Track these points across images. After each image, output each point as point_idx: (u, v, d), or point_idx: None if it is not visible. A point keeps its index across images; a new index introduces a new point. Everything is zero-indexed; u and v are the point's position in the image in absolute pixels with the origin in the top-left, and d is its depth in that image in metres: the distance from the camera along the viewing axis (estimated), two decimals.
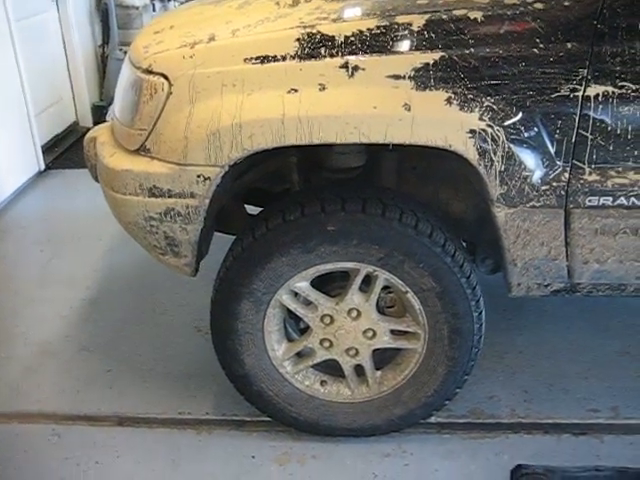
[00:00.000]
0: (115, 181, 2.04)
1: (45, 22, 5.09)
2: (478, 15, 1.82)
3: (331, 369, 2.26)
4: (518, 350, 2.75)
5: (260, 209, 2.32)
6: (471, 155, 1.82)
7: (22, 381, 2.68)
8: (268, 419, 2.33)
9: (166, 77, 1.91)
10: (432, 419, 2.35)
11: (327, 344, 2.17)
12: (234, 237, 2.20)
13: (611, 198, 1.88)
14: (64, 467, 2.25)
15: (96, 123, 5.63)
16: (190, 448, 2.32)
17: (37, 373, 2.74)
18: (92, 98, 5.77)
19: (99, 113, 5.69)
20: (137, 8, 5.83)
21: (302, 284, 2.09)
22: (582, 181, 1.86)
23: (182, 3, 6.04)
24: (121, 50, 5.82)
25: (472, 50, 1.79)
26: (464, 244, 2.30)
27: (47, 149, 4.98)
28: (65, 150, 5.22)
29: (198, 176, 1.91)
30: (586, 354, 2.72)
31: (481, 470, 2.18)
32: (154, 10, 5.90)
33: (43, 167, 4.78)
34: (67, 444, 2.34)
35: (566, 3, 1.80)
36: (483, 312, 2.11)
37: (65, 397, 2.58)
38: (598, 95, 1.79)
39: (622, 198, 1.88)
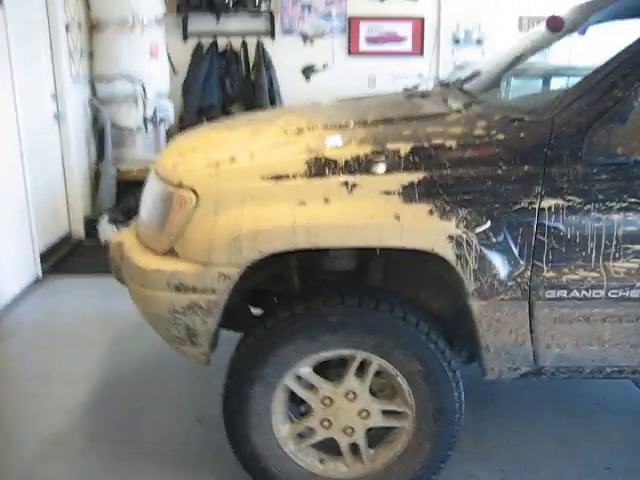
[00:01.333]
0: (145, 279, 2.37)
1: (48, 140, 5.51)
2: (453, 143, 2.26)
3: (329, 448, 2.52)
4: (495, 433, 3.04)
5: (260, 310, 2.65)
6: (450, 257, 2.20)
7: (34, 470, 2.87)
8: None
9: (194, 191, 2.29)
10: None
11: (327, 424, 2.45)
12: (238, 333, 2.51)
13: (566, 291, 2.26)
14: None
15: (88, 235, 6.00)
16: None
17: (48, 463, 2.93)
18: (85, 211, 6.13)
19: (91, 226, 6.03)
20: (131, 129, 6.31)
21: (306, 369, 2.40)
22: (541, 277, 2.25)
23: (170, 126, 6.57)
24: (114, 167, 6.26)
25: (449, 171, 2.21)
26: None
27: (43, 258, 5.27)
28: (60, 259, 5.51)
29: (220, 275, 2.25)
30: (554, 436, 3.02)
31: None
32: (146, 131, 6.37)
33: (41, 274, 5.06)
34: None
35: (522, 135, 2.24)
36: (462, 393, 2.43)
37: None
38: (550, 207, 2.20)
39: (575, 291, 2.26)
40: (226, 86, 6.98)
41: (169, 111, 6.61)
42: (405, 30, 7.08)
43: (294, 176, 2.24)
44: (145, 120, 6.36)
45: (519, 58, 3.33)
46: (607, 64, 2.33)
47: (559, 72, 3.90)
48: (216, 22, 6.88)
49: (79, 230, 6.03)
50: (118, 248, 2.68)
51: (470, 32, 7.11)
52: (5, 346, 4.03)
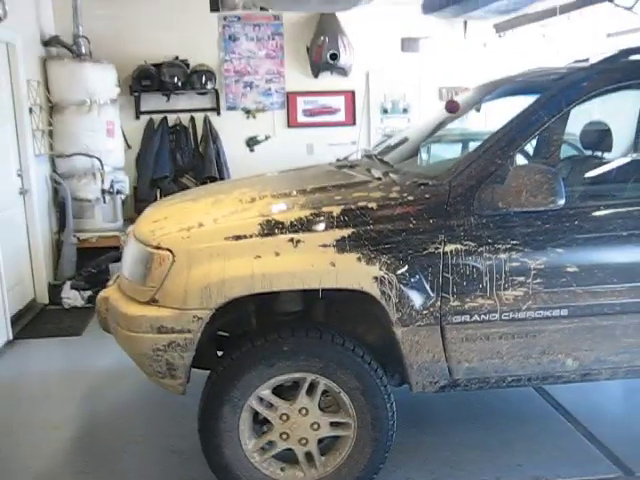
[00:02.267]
0: (131, 324, 2.90)
1: (14, 214, 5.99)
2: (374, 205, 2.90)
3: (287, 458, 3.05)
4: (428, 444, 3.61)
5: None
6: (375, 293, 2.81)
7: None
8: None
9: (171, 251, 2.85)
10: None
11: (285, 436, 2.99)
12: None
13: (468, 316, 2.89)
14: None
15: (51, 300, 6.41)
16: None
17: None
18: (48, 278, 6.56)
19: (54, 291, 6.46)
20: (90, 201, 6.83)
21: (266, 392, 2.94)
22: (449, 306, 2.87)
23: (126, 196, 7.11)
24: (74, 237, 6.74)
25: (371, 227, 2.83)
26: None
27: (12, 322, 5.67)
28: (27, 323, 5.92)
29: (194, 317, 2.80)
30: (474, 443, 3.60)
31: None
32: (104, 202, 6.90)
33: (12, 337, 5.47)
34: None
35: (427, 196, 2.90)
36: (394, 404, 3.01)
37: None
38: (452, 251, 2.84)
39: (475, 315, 2.89)
40: (177, 158, 7.60)
41: (124, 183, 7.16)
42: (338, 102, 7.86)
43: (250, 236, 2.83)
44: (103, 192, 6.88)
45: (430, 131, 4.05)
46: (489, 139, 3.04)
47: (473, 137, 4.60)
48: (166, 100, 7.53)
49: (43, 296, 6.45)
50: (104, 302, 3.21)
51: (397, 102, 7.94)
52: None
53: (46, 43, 6.83)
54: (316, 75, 7.75)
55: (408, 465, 3.43)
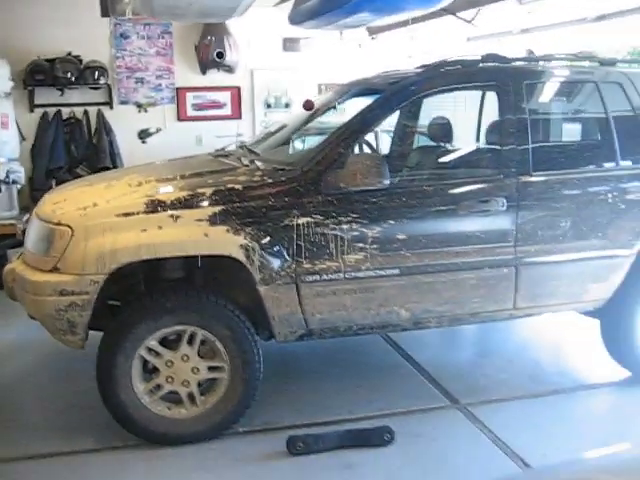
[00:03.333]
0: (37, 289, 3.44)
1: None
2: (240, 187, 3.54)
3: (173, 399, 3.65)
4: (295, 389, 4.30)
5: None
6: (242, 259, 3.46)
7: None
8: None
9: (70, 227, 3.40)
10: (241, 429, 3.79)
11: (170, 380, 3.59)
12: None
13: (318, 276, 3.58)
14: None
15: None
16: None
17: None
18: None
19: None
20: None
21: (153, 342, 3.54)
22: (302, 268, 3.55)
23: (22, 186, 7.45)
24: None
25: (238, 204, 3.48)
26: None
27: None
28: None
29: (91, 281, 3.36)
30: (335, 386, 4.32)
31: (275, 449, 3.62)
32: (0, 192, 7.21)
33: None
34: None
35: (282, 179, 3.57)
36: (260, 350, 3.66)
37: None
38: (304, 223, 3.52)
39: (324, 275, 3.59)
40: (72, 150, 8.00)
41: (20, 173, 7.46)
42: (225, 98, 8.47)
43: (137, 213, 3.42)
44: None
45: (295, 125, 4.73)
46: (334, 132, 3.75)
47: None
48: (60, 95, 7.90)
49: None
50: (10, 273, 3.71)
51: (279, 97, 8.61)
52: None
53: None
54: (204, 72, 8.32)
55: (278, 406, 4.09)
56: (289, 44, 8.43)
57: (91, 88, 8.03)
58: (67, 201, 3.71)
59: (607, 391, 4.42)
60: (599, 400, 4.34)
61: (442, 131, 4.94)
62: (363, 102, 4.19)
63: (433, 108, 5.30)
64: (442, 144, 4.91)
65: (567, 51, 4.78)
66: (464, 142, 5.25)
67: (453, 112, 5.66)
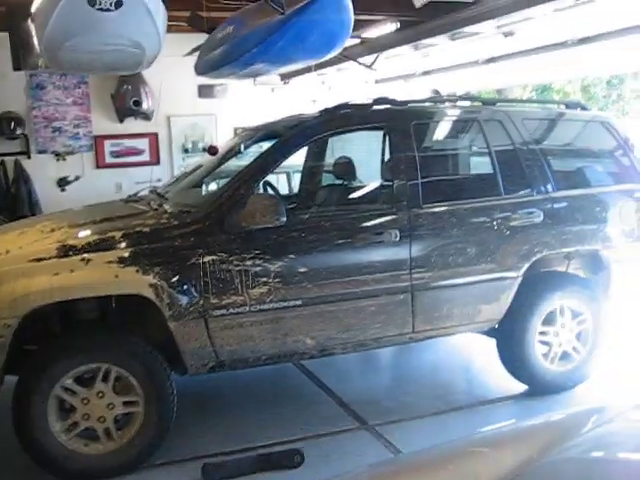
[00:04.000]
0: None
1: None
2: (147, 229, 3.77)
3: (90, 435, 3.79)
4: (211, 422, 4.48)
5: None
6: (152, 297, 3.67)
7: None
8: None
9: None
10: (157, 462, 3.94)
11: (86, 417, 3.72)
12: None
13: (225, 310, 3.81)
14: None
15: None
16: None
17: None
18: None
19: None
20: None
21: (69, 381, 3.68)
22: (209, 303, 3.78)
23: None
24: None
25: (146, 245, 3.70)
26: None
27: None
28: None
29: (5, 324, 3.51)
30: (250, 416, 4.53)
31: (191, 477, 3.79)
32: None
33: None
34: None
35: (188, 220, 3.82)
36: (174, 384, 3.85)
37: None
38: (209, 261, 3.76)
39: (230, 309, 3.82)
40: None
41: None
42: (143, 144, 8.69)
43: (50, 258, 3.60)
44: None
45: (205, 170, 4.99)
46: (236, 175, 4.02)
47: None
48: None
49: None
50: None
51: (197, 142, 8.88)
52: None
53: None
54: (121, 120, 8.54)
55: (195, 437, 4.25)
56: (204, 90, 8.74)
57: (8, 138, 8.13)
58: None
59: (506, 404, 4.75)
60: (498, 413, 4.65)
61: (345, 169, 5.30)
62: (267, 145, 4.49)
63: (340, 148, 5.67)
64: (345, 182, 5.25)
65: (462, 90, 5.23)
66: (366, 179, 5.60)
67: (362, 151, 6.02)
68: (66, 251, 3.64)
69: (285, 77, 8.73)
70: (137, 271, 3.65)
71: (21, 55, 5.80)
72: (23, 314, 3.52)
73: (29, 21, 4.68)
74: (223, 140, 8.73)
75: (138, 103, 8.30)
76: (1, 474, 3.93)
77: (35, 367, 3.65)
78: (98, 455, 3.79)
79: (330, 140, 5.28)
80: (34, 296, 3.53)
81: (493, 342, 4.82)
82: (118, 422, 3.82)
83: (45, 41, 3.90)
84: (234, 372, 4.36)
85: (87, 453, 3.77)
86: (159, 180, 8.36)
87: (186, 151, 8.86)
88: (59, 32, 3.71)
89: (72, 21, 3.61)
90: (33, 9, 4.20)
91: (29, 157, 8.29)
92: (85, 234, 3.82)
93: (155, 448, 3.89)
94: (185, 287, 3.74)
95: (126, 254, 3.66)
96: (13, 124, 8.03)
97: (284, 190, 6.41)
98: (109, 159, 8.58)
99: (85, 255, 3.63)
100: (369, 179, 5.79)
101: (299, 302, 3.98)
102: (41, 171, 8.31)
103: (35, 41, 5.01)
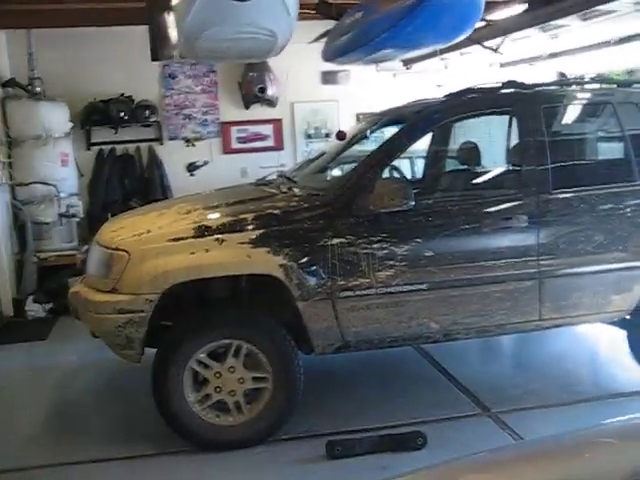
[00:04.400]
0: (98, 308, 3.83)
1: None
2: (278, 211, 3.90)
3: (221, 407, 3.98)
4: (330, 399, 4.59)
5: None
6: (282, 277, 3.79)
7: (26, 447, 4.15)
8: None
9: (127, 251, 3.79)
10: (284, 436, 4.09)
11: (218, 390, 3.92)
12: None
13: (352, 292, 3.89)
14: None
15: (16, 313, 7.21)
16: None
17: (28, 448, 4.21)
18: (12, 293, 7.36)
19: (18, 305, 7.26)
20: (48, 224, 7.68)
21: (202, 355, 3.88)
22: (337, 285, 3.86)
23: (80, 219, 7.95)
24: (35, 256, 7.56)
25: (277, 227, 3.82)
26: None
27: None
28: None
29: (146, 299, 3.74)
30: (369, 397, 4.60)
31: (315, 453, 3.91)
32: (61, 224, 7.74)
33: None
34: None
35: (317, 203, 3.91)
36: (300, 362, 3.97)
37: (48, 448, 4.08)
38: (337, 243, 3.84)
39: (357, 291, 3.89)
40: (125, 184, 8.51)
41: (79, 207, 8.00)
42: (267, 130, 8.90)
43: (186, 238, 3.80)
44: (59, 216, 7.73)
45: (331, 154, 5.08)
46: (364, 160, 4.08)
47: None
48: (114, 133, 8.44)
49: (8, 309, 7.24)
50: (74, 295, 4.11)
51: (319, 128, 9.01)
52: None
53: (4, 85, 7.68)
54: (247, 107, 8.77)
55: (318, 414, 4.39)
56: (327, 77, 8.84)
57: (142, 126, 8.55)
58: (124, 229, 4.11)
59: (635, 399, 4.59)
60: (627, 407, 4.49)
61: (470, 155, 5.25)
62: (392, 130, 4.52)
63: (462, 133, 5.61)
64: (470, 167, 5.20)
65: (592, 73, 5.06)
66: (488, 164, 5.53)
67: (483, 135, 5.95)
68: (202, 232, 3.82)
69: (408, 62, 8.68)
70: (268, 252, 3.78)
71: (158, 47, 6.09)
72: (163, 290, 3.74)
73: (167, 14, 4.91)
74: (345, 126, 8.85)
75: (263, 90, 8.51)
76: (140, 437, 4.19)
77: (172, 341, 3.87)
78: (228, 426, 3.98)
79: (454, 125, 5.24)
80: (173, 273, 3.73)
81: (622, 333, 4.66)
82: (247, 396, 3.98)
83: (185, 31, 4.10)
84: (356, 353, 4.45)
85: (218, 424, 3.97)
86: (282, 165, 8.56)
87: (309, 137, 9.00)
88: (199, 22, 3.89)
89: (211, 11, 3.78)
90: (174, 2, 4.42)
91: (161, 143, 8.69)
92: (219, 216, 3.99)
93: (282, 423, 4.03)
94: (314, 268, 3.84)
95: (258, 235, 3.80)
96: (148, 112, 8.42)
97: (407, 176, 6.40)
98: (235, 144, 8.84)
99: (219, 236, 3.79)
100: (492, 164, 5.73)
101: (425, 286, 3.99)
102: (172, 157, 8.68)
103: (172, 33, 5.26)
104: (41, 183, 7.62)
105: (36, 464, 4.01)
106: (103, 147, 8.51)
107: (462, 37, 4.50)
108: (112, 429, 4.43)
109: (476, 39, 5.80)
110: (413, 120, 4.24)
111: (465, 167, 5.30)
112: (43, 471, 3.95)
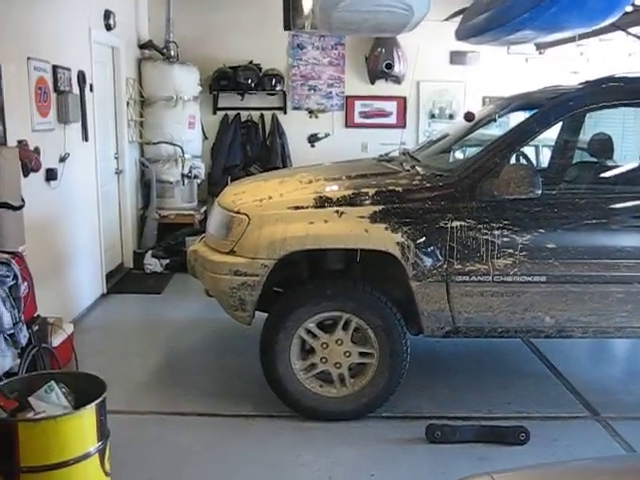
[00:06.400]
0: (215, 268, 3.93)
1: (111, 190, 7.13)
2: (400, 189, 3.86)
3: (325, 378, 4.02)
4: (437, 383, 4.55)
5: None
6: (398, 255, 3.76)
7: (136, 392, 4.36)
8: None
9: (247, 215, 3.87)
10: (383, 414, 4.09)
11: (324, 360, 3.96)
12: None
13: (467, 277, 3.81)
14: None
15: (135, 265, 7.53)
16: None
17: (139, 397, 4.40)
18: (133, 246, 7.70)
19: (138, 258, 7.59)
20: (171, 183, 7.95)
21: (312, 325, 3.92)
22: (452, 268, 3.80)
23: (201, 181, 8.18)
24: (157, 213, 7.86)
25: (397, 205, 3.79)
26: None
27: (106, 279, 6.80)
28: (117, 282, 7.05)
29: (262, 264, 3.80)
30: (476, 384, 4.52)
31: (414, 435, 3.90)
32: (183, 185, 8.01)
33: (105, 291, 6.60)
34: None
35: (440, 184, 3.84)
36: (408, 341, 3.95)
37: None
38: (457, 226, 3.77)
39: (473, 276, 3.81)
40: (247, 150, 8.68)
41: (201, 169, 8.24)
42: (391, 107, 8.82)
43: (306, 207, 3.83)
44: (182, 176, 8.00)
45: (455, 136, 4.98)
46: (491, 144, 3.96)
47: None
48: (240, 99, 8.61)
49: (129, 261, 7.59)
50: (193, 253, 4.24)
51: (444, 108, 8.85)
52: (87, 337, 5.47)
53: (141, 46, 7.97)
54: (372, 82, 8.72)
55: (419, 397, 4.37)
56: (456, 57, 8.66)
57: (268, 94, 8.67)
58: (245, 193, 4.19)
59: None
60: None
61: (602, 147, 5.01)
62: (523, 116, 4.37)
63: (597, 123, 5.36)
64: (601, 160, 4.97)
65: None
66: (623, 159, 5.26)
67: (616, 127, 5.66)
68: (322, 202, 3.84)
69: (541, 47, 8.35)
70: (386, 228, 3.76)
71: (291, 17, 6.14)
72: (279, 257, 3.79)
73: None
74: (471, 108, 8.65)
75: (390, 66, 8.42)
76: (243, 398, 4.31)
77: (284, 307, 3.93)
78: (330, 397, 4.02)
79: (587, 115, 5.01)
80: (290, 241, 3.77)
81: None
82: (352, 370, 4.01)
83: (322, 1, 4.09)
84: (463, 339, 4.39)
85: (320, 394, 4.01)
86: (404, 143, 8.47)
87: (432, 117, 8.86)
88: None
89: None
90: None
91: (285, 112, 8.79)
92: (340, 188, 4.00)
93: (383, 400, 4.04)
94: (431, 249, 3.78)
95: (377, 211, 3.78)
96: (274, 81, 8.52)
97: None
98: (358, 119, 8.83)
99: (339, 208, 3.80)
100: (624, 158, 5.45)
101: (543, 278, 3.86)
102: (294, 126, 8.78)
103: (305, 3, 5.28)
104: (168, 143, 7.90)
105: (144, 410, 4.21)
106: (228, 112, 8.71)
107: (608, 22, 4.26)
108: (217, 387, 4.55)
109: (621, 25, 5.49)
110: (547, 106, 4.07)
111: (595, 159, 5.05)
112: (151, 417, 4.14)
